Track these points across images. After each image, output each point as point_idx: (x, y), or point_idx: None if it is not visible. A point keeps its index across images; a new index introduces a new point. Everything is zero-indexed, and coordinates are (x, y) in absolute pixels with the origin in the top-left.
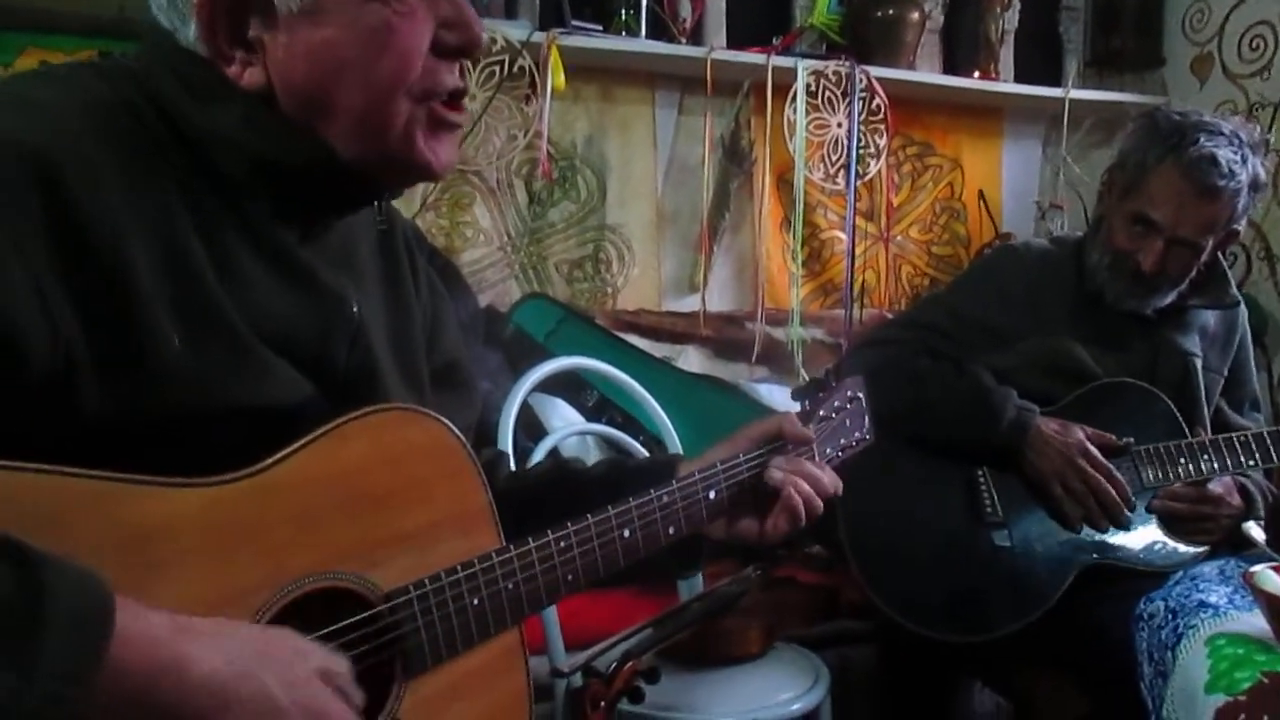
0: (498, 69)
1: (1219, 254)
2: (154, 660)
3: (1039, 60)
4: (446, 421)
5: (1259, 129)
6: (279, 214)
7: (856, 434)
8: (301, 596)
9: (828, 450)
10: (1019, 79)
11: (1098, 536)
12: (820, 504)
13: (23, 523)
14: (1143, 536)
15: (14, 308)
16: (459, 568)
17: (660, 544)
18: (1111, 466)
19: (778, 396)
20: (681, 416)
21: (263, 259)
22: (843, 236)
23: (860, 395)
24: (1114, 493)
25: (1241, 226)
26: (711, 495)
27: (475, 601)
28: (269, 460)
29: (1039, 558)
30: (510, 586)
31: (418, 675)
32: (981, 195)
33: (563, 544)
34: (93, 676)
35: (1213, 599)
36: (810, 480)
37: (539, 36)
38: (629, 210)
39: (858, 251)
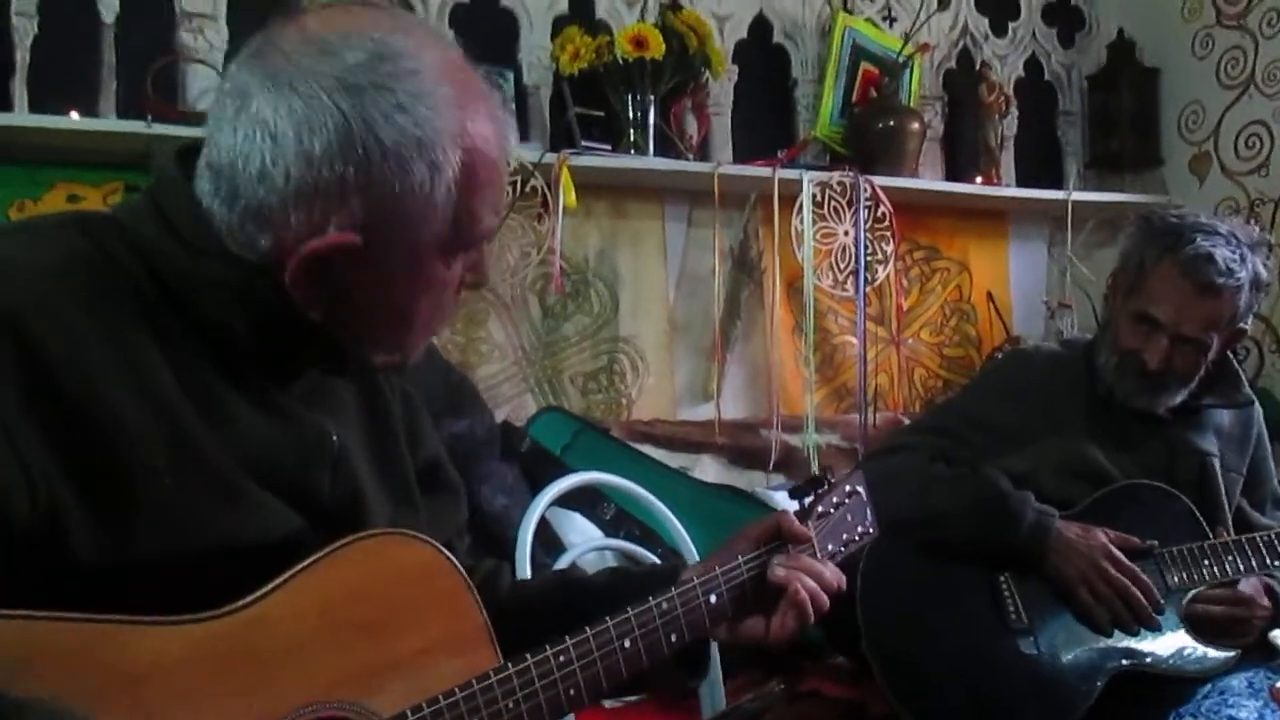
0: (510, 189)
1: (1229, 353)
2: None
3: (1040, 164)
4: (436, 544)
5: (1257, 229)
6: (259, 361)
7: (859, 529)
8: None
9: (829, 546)
10: (1021, 182)
11: (1126, 642)
12: (826, 600)
13: (11, 670)
14: (1172, 642)
15: None
16: (457, 690)
17: (663, 653)
18: (1137, 569)
19: (795, 504)
20: (699, 527)
21: (243, 397)
22: (854, 341)
23: (860, 489)
24: (1141, 595)
25: (1248, 325)
26: (712, 600)
27: None
28: (258, 593)
29: (1067, 666)
30: (511, 705)
31: None
32: (990, 296)
33: (562, 659)
34: None
35: (1242, 714)
36: (814, 575)
37: (550, 157)
38: (642, 321)
39: (870, 356)
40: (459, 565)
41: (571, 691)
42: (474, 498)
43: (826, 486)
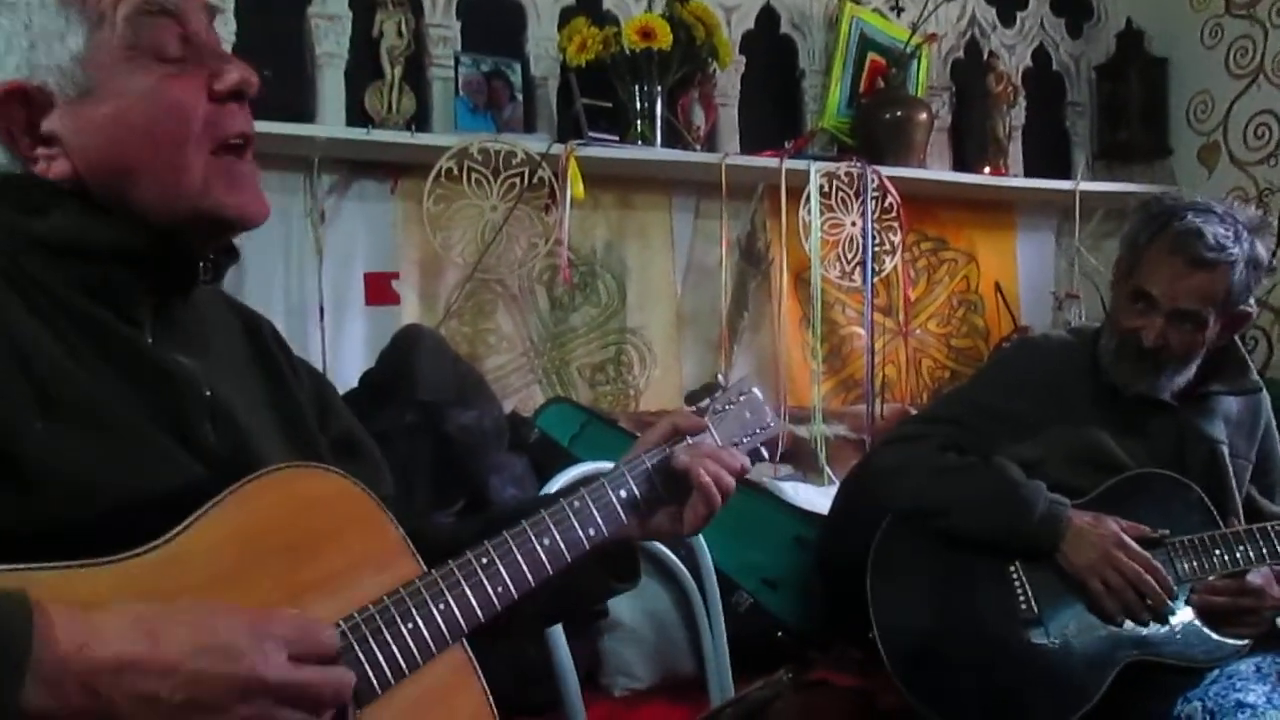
0: (518, 180)
1: (1235, 339)
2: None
3: (1047, 154)
4: (341, 471)
5: (1260, 212)
6: (118, 311)
7: (759, 425)
8: None
9: (732, 438)
10: (1029, 173)
11: (1137, 632)
12: (731, 481)
13: None
14: (1183, 631)
15: None
16: (385, 598)
17: (585, 548)
18: (1149, 557)
19: (804, 494)
20: None
21: (113, 353)
22: (861, 332)
23: (753, 390)
24: (1154, 583)
25: (1251, 309)
26: (622, 494)
27: (410, 625)
28: (170, 534)
29: (1077, 655)
30: (442, 607)
31: (369, 704)
32: (998, 287)
33: (484, 560)
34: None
35: (1250, 698)
36: (714, 458)
37: (558, 148)
38: (649, 313)
39: (877, 347)
40: (367, 489)
41: (499, 589)
42: (483, 488)
43: (720, 391)
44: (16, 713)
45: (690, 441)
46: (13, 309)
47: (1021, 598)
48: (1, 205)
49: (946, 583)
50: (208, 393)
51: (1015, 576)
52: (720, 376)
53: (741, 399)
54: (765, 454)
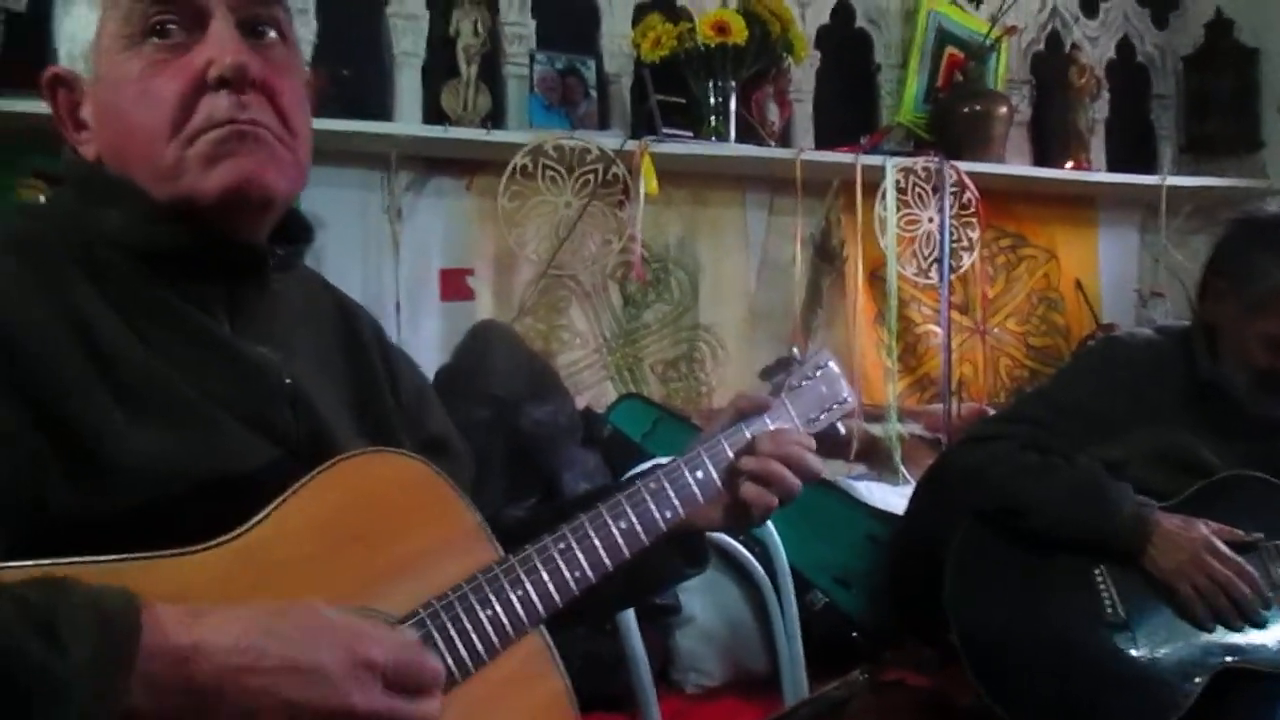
0: (592, 177)
1: None
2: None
3: (1131, 148)
4: (417, 456)
5: None
6: (198, 303)
7: (835, 399)
8: None
9: (810, 415)
10: (1112, 167)
11: (1230, 638)
12: (812, 463)
13: None
14: (1278, 636)
15: None
16: (464, 584)
17: (661, 530)
18: (1242, 561)
19: (878, 493)
20: (781, 515)
21: (187, 340)
22: (938, 330)
23: (830, 363)
24: (1247, 588)
25: None
26: (699, 474)
27: (489, 612)
28: (250, 523)
29: (1166, 662)
30: (520, 593)
31: (449, 690)
32: (1079, 285)
33: (561, 545)
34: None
35: None
36: (791, 440)
37: (631, 145)
38: (722, 310)
39: (954, 345)
40: (441, 472)
41: (576, 574)
42: (556, 483)
43: (796, 365)
44: (117, 706)
45: (769, 424)
46: (89, 300)
47: (1107, 601)
48: (74, 195)
49: (1028, 585)
50: (287, 380)
51: (1100, 579)
52: (795, 350)
53: (819, 373)
54: (841, 429)
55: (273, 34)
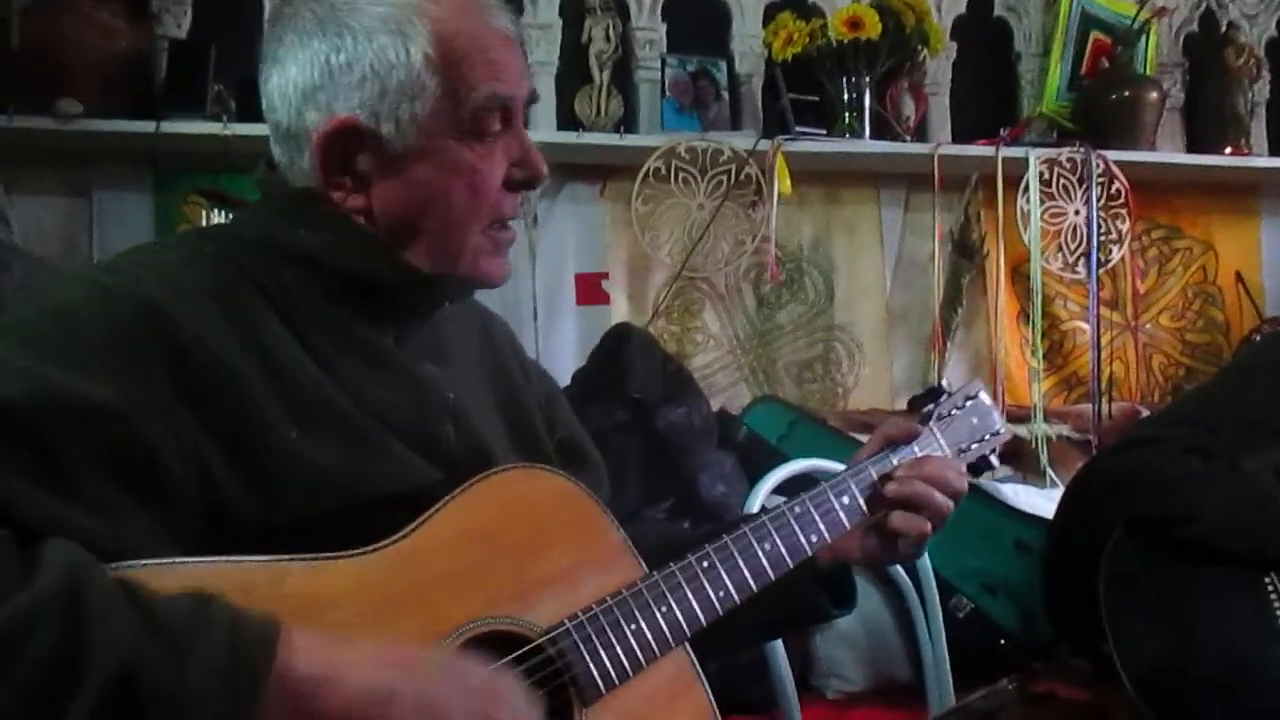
0: (725, 178)
1: None
2: (315, 666)
3: None
4: (563, 473)
5: None
6: (369, 319)
7: (986, 430)
8: (465, 643)
9: (960, 445)
10: (1275, 152)
11: None
12: (958, 483)
13: None
14: None
15: (149, 432)
16: (609, 598)
17: (807, 553)
18: None
19: (1024, 496)
20: None
21: (360, 358)
22: (1086, 327)
23: (981, 394)
24: None
25: None
26: (845, 500)
27: (633, 627)
28: (404, 531)
29: None
30: (665, 609)
31: (595, 703)
32: (1239, 277)
33: (705, 563)
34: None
35: None
36: (938, 466)
37: (764, 145)
38: (857, 310)
39: (1103, 342)
40: (588, 490)
41: (720, 593)
42: (693, 485)
43: (946, 396)
44: None
45: (917, 452)
46: (268, 321)
47: None
48: (273, 217)
49: (1190, 596)
50: (450, 395)
51: (1272, 590)
52: (945, 382)
53: (969, 404)
54: (995, 462)
55: None
